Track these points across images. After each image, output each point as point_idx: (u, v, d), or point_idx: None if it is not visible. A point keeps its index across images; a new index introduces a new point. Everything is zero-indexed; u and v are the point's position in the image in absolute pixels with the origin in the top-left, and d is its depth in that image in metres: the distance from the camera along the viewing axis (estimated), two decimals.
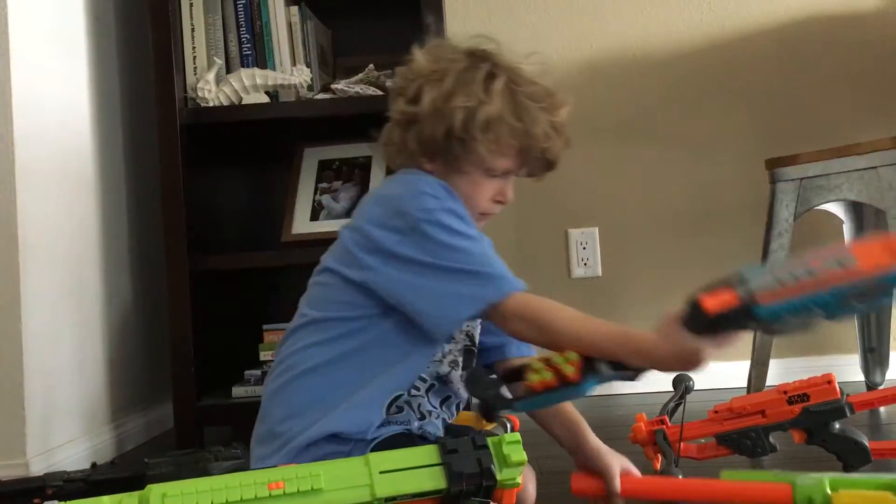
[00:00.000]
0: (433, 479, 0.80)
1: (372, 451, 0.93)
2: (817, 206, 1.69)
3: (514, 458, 0.82)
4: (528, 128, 1.03)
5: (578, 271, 2.20)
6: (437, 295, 0.97)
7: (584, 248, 2.20)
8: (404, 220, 0.99)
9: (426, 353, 1.02)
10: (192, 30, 1.84)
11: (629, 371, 0.94)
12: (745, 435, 1.24)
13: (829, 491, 0.79)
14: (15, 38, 1.50)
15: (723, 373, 2.02)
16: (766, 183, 1.75)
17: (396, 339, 1.00)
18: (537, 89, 1.05)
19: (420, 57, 1.06)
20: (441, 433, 1.05)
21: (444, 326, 1.00)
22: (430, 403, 1.04)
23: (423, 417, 1.03)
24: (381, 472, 0.80)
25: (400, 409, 1.00)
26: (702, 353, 0.91)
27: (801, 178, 1.67)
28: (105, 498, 0.75)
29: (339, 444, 0.96)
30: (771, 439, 1.24)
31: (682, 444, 1.25)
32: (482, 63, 1.04)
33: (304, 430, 0.96)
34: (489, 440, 0.84)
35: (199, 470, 1.28)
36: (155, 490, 0.75)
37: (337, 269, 1.02)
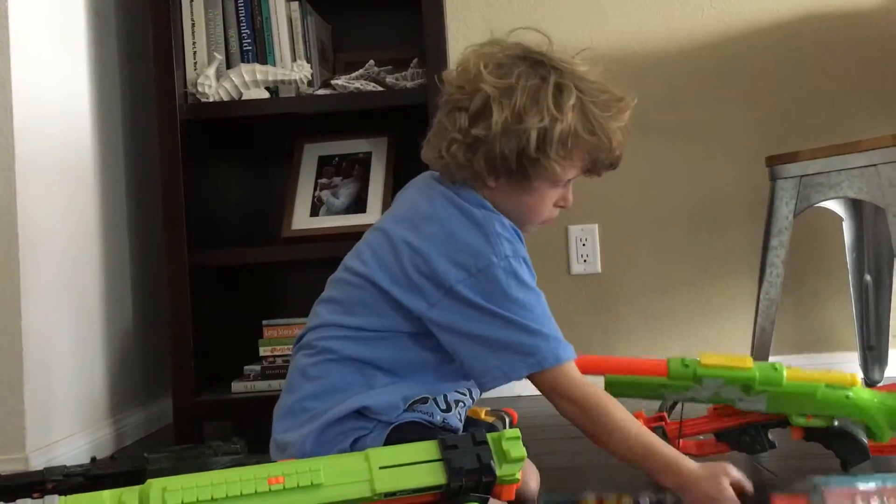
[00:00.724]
0: (433, 475, 0.81)
1: (389, 435, 0.94)
2: (817, 203, 1.69)
3: (513, 454, 0.83)
4: (601, 141, 1.02)
5: (578, 268, 2.20)
6: (495, 347, 0.96)
7: (583, 245, 2.20)
8: (475, 260, 0.97)
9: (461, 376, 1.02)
10: (193, 25, 1.84)
11: None
12: (743, 431, 1.24)
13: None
14: (15, 32, 1.50)
15: None
16: (766, 180, 1.75)
17: (434, 359, 1.00)
18: (606, 98, 1.04)
19: (477, 64, 1.02)
20: (461, 426, 1.06)
21: (490, 384, 1.00)
22: (458, 392, 1.04)
23: (448, 409, 1.03)
24: (380, 468, 0.81)
25: (424, 400, 1.00)
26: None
27: (801, 176, 1.67)
28: (105, 492, 0.76)
29: (364, 421, 0.96)
30: (770, 436, 1.24)
31: (681, 440, 1.25)
32: (545, 71, 1.01)
33: (333, 407, 0.96)
34: (489, 436, 0.84)
35: (199, 465, 1.28)
36: (155, 485, 0.75)
37: (385, 286, 0.99)
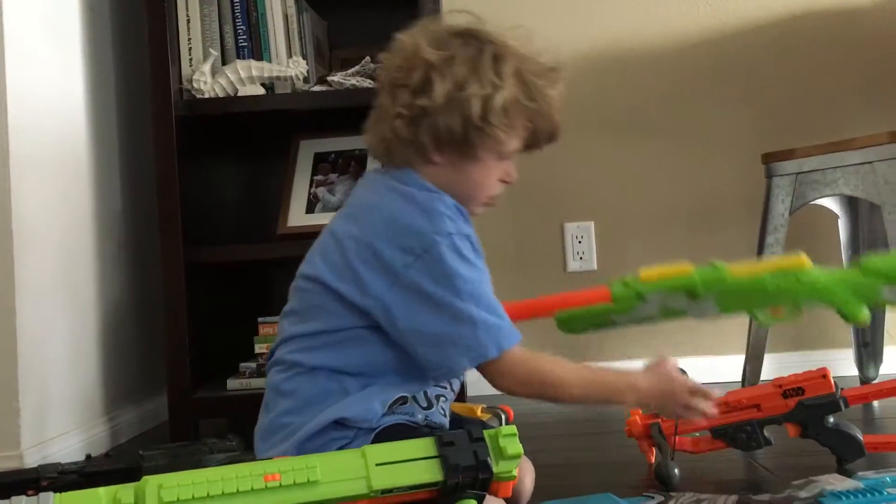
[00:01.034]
0: (429, 472, 0.81)
1: (374, 439, 0.93)
2: (813, 200, 1.69)
3: (510, 450, 0.82)
4: (541, 107, 1.02)
5: (574, 265, 2.20)
6: (437, 342, 0.95)
7: (579, 242, 2.20)
8: (419, 241, 0.96)
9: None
10: (188, 21, 1.83)
11: None
12: (740, 429, 1.24)
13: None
14: (9, 28, 1.49)
15: (717, 367, 2.03)
16: (762, 177, 1.75)
17: (402, 356, 0.98)
18: (540, 67, 1.04)
19: (416, 42, 1.02)
20: (446, 421, 1.05)
21: (444, 376, 1.01)
22: (439, 386, 1.04)
23: (429, 406, 1.02)
24: (377, 465, 0.80)
25: (404, 400, 0.99)
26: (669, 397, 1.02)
27: (797, 173, 1.67)
28: (100, 489, 0.75)
29: (344, 430, 0.95)
30: (766, 433, 1.24)
31: (677, 437, 1.25)
32: (480, 43, 1.03)
33: (309, 420, 0.96)
34: (485, 433, 0.84)
35: (195, 462, 1.29)
36: (151, 481, 0.75)
37: (334, 284, 0.98)
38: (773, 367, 1.80)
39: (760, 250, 1.71)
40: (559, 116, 1.06)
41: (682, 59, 2.19)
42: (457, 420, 1.09)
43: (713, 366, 2.05)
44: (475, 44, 1.03)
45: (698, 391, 1.04)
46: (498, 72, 1.00)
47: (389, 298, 0.96)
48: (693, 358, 2.09)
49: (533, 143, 1.07)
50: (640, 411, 1.33)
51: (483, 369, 0.98)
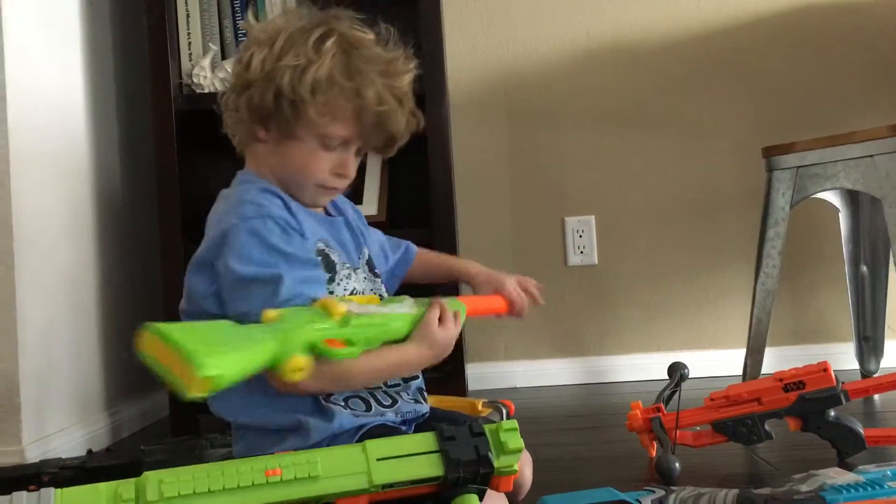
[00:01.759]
0: (430, 467, 0.81)
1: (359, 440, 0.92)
2: (814, 194, 1.69)
3: (511, 445, 0.82)
4: (359, 88, 0.99)
5: (574, 259, 2.20)
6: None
7: (580, 237, 2.20)
8: (220, 228, 0.97)
9: None
10: (188, 15, 1.82)
11: None
12: (740, 422, 1.24)
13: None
14: (8, 23, 1.48)
15: (718, 361, 2.04)
16: (762, 171, 1.75)
17: None
18: (374, 53, 1.01)
19: (256, 25, 1.05)
20: (423, 407, 1.04)
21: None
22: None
23: (393, 402, 1.01)
24: (378, 460, 0.80)
25: (368, 407, 0.98)
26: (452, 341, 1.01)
27: (798, 167, 1.67)
28: (101, 484, 0.75)
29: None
30: (766, 427, 1.24)
31: (678, 431, 1.25)
32: (317, 27, 1.01)
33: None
34: (486, 427, 0.84)
35: (195, 457, 1.29)
36: (152, 477, 0.75)
37: (201, 302, 0.99)
38: (774, 360, 1.80)
39: (761, 244, 1.70)
40: (393, 111, 1.01)
41: (683, 51, 2.18)
42: (456, 416, 1.09)
43: (714, 360, 2.05)
44: (311, 26, 1.01)
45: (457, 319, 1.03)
46: (318, 48, 0.98)
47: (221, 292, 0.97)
48: (694, 352, 2.10)
49: (366, 135, 1.03)
50: (641, 405, 1.33)
51: (269, 376, 0.91)
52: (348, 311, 0.89)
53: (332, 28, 1.01)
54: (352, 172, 1.05)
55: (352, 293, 1.03)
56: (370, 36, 1.04)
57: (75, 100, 1.75)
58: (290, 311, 0.86)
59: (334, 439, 0.94)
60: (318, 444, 0.92)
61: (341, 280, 1.03)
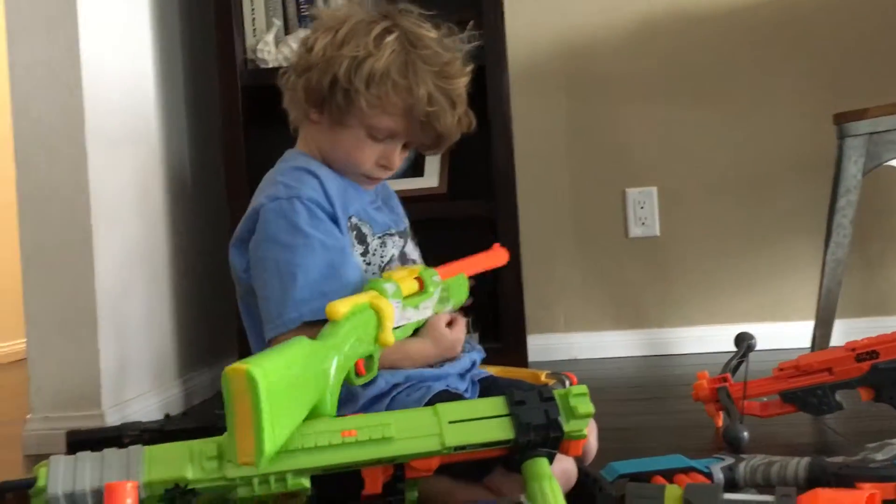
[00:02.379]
0: (501, 430, 0.82)
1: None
2: (888, 161, 1.64)
3: (581, 409, 0.83)
4: (412, 86, 1.01)
5: (636, 231, 2.18)
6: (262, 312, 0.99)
7: (641, 208, 2.18)
8: (253, 207, 1.02)
9: None
10: None
11: None
12: (811, 392, 1.23)
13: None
14: (82, 4, 1.53)
15: (783, 333, 2.00)
16: (831, 139, 1.70)
17: None
18: (433, 53, 1.03)
19: (325, 10, 1.07)
20: (474, 355, 1.09)
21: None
22: None
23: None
24: (449, 423, 0.81)
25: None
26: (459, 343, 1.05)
27: (871, 133, 1.62)
28: (186, 442, 0.78)
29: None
30: (837, 397, 1.22)
31: (745, 401, 1.24)
32: (382, 21, 1.03)
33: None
34: (556, 392, 0.85)
35: None
36: None
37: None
38: (843, 333, 1.77)
39: (831, 213, 1.66)
40: (443, 112, 1.03)
41: (748, 16, 2.13)
42: (518, 384, 1.10)
43: (779, 332, 2.02)
44: (376, 18, 1.03)
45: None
46: (378, 41, 1.01)
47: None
48: (758, 324, 2.07)
49: (414, 131, 1.05)
50: (707, 375, 1.32)
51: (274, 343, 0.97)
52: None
53: (396, 23, 1.03)
54: (396, 165, 1.08)
55: (389, 260, 1.07)
56: (432, 34, 1.05)
57: (145, 76, 1.80)
58: (347, 325, 0.88)
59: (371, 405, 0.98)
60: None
61: (375, 250, 1.06)
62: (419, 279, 1.02)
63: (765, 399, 1.29)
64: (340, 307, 0.87)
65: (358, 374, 0.92)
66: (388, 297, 0.94)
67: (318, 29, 1.05)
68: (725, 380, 1.29)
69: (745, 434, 1.17)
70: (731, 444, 1.18)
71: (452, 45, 1.07)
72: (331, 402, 0.83)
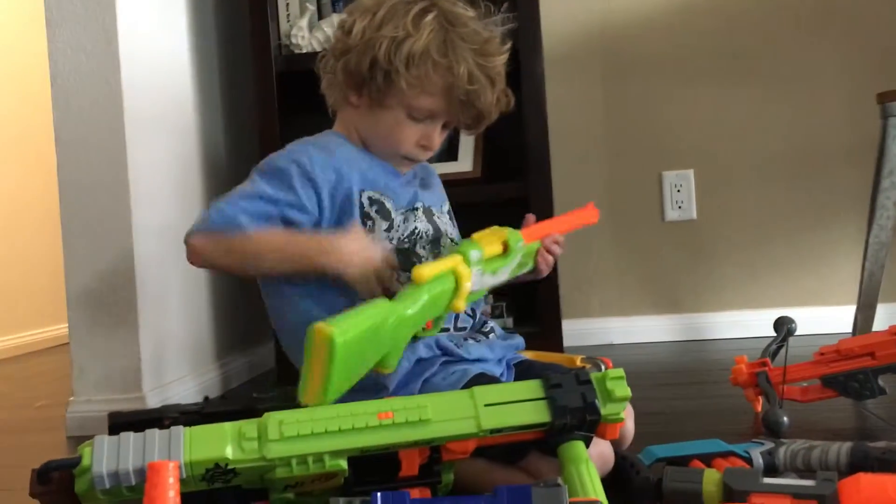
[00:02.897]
0: (537, 413, 0.82)
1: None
2: None
3: (618, 393, 0.82)
4: (452, 65, 1.01)
5: (672, 214, 2.16)
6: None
7: (678, 191, 2.15)
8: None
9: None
10: None
11: None
12: (852, 377, 1.20)
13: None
14: None
15: (823, 318, 1.97)
16: (873, 120, 1.66)
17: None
18: (471, 31, 1.03)
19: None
20: (492, 339, 1.09)
21: None
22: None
23: (455, 345, 1.05)
24: (486, 405, 0.82)
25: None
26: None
27: None
28: (226, 424, 0.79)
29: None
30: (880, 382, 1.20)
31: (785, 386, 1.22)
32: (421, 1, 1.03)
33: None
34: (593, 376, 0.84)
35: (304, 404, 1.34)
36: (272, 417, 0.79)
37: None
38: (887, 317, 1.74)
39: (875, 194, 1.63)
40: (483, 90, 1.03)
41: None
42: (553, 368, 1.10)
43: (819, 316, 1.98)
44: (416, 0, 1.03)
45: (394, 267, 1.02)
46: (417, 21, 1.01)
47: None
48: (798, 308, 2.03)
49: (454, 110, 1.05)
50: (746, 359, 1.30)
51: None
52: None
53: (434, 3, 1.04)
54: (436, 145, 1.08)
55: (413, 231, 1.08)
56: (470, 13, 1.05)
57: (181, 61, 1.81)
58: (426, 290, 0.92)
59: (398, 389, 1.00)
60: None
61: (399, 225, 1.07)
62: (505, 244, 1.03)
63: (804, 384, 1.28)
64: (425, 272, 0.92)
65: (424, 329, 0.97)
66: (472, 264, 0.97)
67: (356, 11, 1.06)
68: (765, 364, 1.27)
69: (786, 419, 1.16)
70: (771, 429, 1.16)
71: (490, 24, 1.07)
72: (394, 359, 0.91)
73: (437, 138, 1.08)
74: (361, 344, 0.83)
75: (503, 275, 1.04)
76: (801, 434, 1.13)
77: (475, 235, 1.02)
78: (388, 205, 1.07)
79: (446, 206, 1.18)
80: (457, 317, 1.09)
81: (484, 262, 0.99)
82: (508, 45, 1.07)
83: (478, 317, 1.13)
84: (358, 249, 1.00)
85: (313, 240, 1.02)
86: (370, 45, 1.02)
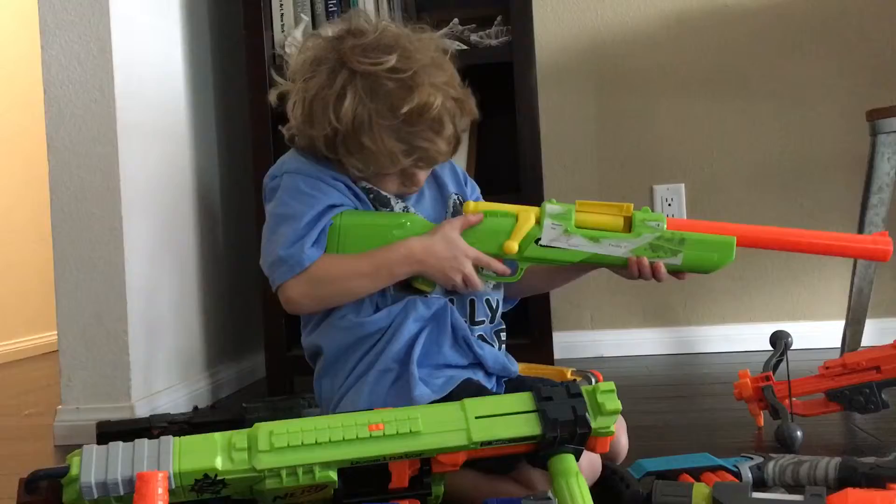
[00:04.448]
0: (528, 425, 0.82)
1: (446, 398, 0.97)
2: None
3: (608, 406, 0.83)
4: (385, 149, 1.02)
5: None
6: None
7: (669, 205, 2.16)
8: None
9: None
10: None
11: None
12: (857, 391, 1.21)
13: None
14: (113, 1, 1.54)
15: (813, 332, 1.98)
16: (864, 136, 1.68)
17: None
18: (390, 103, 1.01)
19: (297, 56, 1.11)
20: (494, 348, 1.10)
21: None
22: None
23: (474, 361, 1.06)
24: (477, 417, 0.82)
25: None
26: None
27: None
28: (216, 434, 0.79)
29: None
30: (884, 395, 1.20)
31: (790, 400, 1.22)
32: (340, 70, 1.03)
33: None
34: (583, 389, 0.84)
35: (294, 414, 1.33)
36: (262, 428, 0.79)
37: None
38: (874, 333, 1.74)
39: (863, 211, 1.64)
40: (436, 145, 1.04)
41: (778, 9, 2.10)
42: (534, 381, 1.10)
43: (809, 331, 1.99)
44: (336, 71, 1.04)
45: (482, 261, 1.04)
46: (339, 107, 1.02)
47: None
48: (788, 323, 2.04)
49: (420, 167, 1.08)
50: (749, 373, 1.30)
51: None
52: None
53: (352, 70, 1.03)
54: (421, 182, 1.09)
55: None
56: (389, 62, 1.03)
57: (175, 70, 1.81)
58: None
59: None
60: None
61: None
62: (627, 218, 1.04)
63: (805, 398, 1.28)
64: (476, 205, 1.04)
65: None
66: (547, 215, 1.00)
67: (292, 76, 1.10)
68: (769, 378, 1.27)
69: (799, 433, 1.15)
70: (785, 444, 1.15)
71: (422, 47, 1.07)
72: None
73: (421, 177, 1.09)
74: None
75: (616, 248, 1.04)
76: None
77: (587, 202, 1.07)
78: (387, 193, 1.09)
79: (449, 211, 1.15)
80: (473, 308, 1.09)
81: (572, 222, 1.02)
82: (447, 65, 1.07)
83: (497, 317, 1.13)
84: (447, 254, 1.02)
85: (390, 248, 1.03)
86: (314, 134, 1.05)
